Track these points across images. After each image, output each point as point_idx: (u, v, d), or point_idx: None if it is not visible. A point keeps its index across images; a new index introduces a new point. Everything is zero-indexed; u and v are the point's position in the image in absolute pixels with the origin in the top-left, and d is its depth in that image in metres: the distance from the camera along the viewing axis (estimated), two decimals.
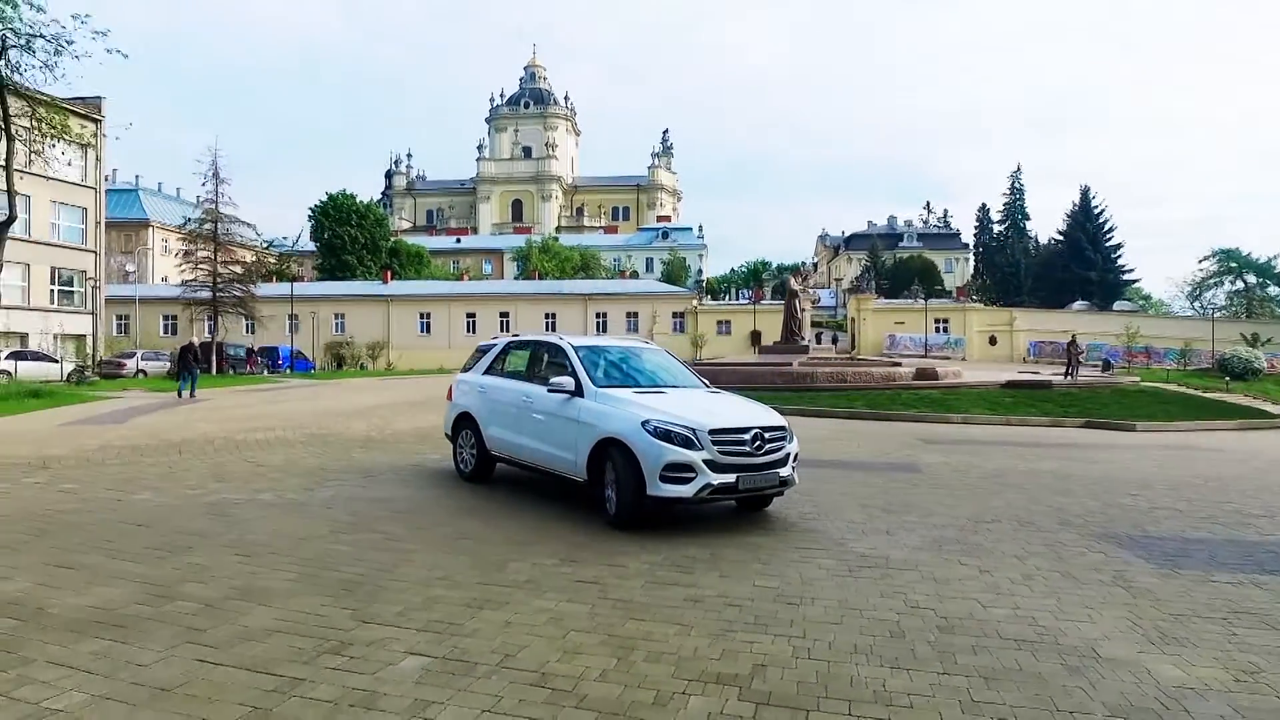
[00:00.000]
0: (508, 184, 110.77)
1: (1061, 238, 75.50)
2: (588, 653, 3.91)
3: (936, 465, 10.83)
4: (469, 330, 62.38)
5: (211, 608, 4.45)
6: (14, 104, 21.46)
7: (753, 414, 7.06)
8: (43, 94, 25.63)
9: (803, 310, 33.70)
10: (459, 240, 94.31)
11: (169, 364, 33.45)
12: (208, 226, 40.47)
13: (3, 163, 21.32)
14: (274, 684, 3.47)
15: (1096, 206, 74.04)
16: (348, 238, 72.92)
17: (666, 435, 6.41)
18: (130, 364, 33.26)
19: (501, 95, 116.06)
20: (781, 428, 6.98)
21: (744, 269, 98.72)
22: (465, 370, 9.59)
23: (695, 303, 61.82)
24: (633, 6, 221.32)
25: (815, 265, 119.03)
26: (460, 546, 6.00)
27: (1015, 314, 58.82)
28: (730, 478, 6.43)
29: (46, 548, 5.71)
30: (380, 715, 3.20)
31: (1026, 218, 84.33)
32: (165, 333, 58.82)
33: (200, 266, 40.03)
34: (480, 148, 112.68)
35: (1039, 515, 7.54)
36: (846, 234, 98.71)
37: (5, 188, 21.23)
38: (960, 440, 14.05)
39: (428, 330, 62.33)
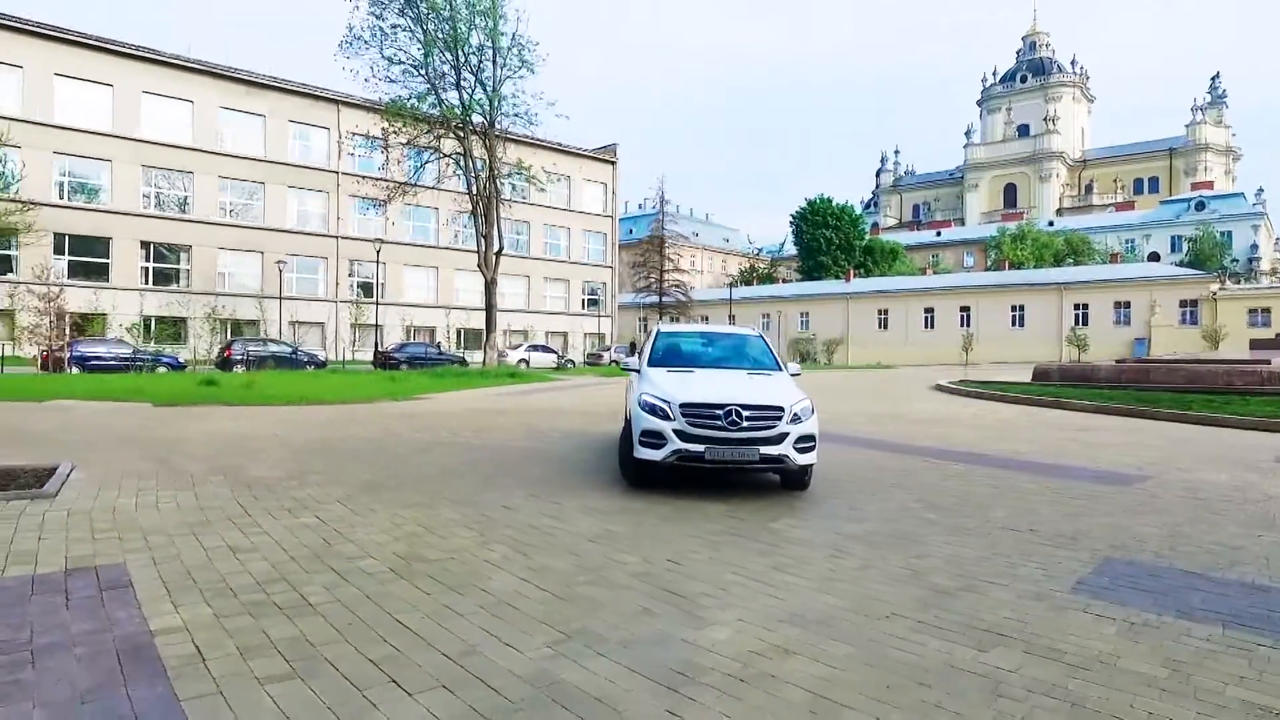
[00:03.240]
0: (999, 168, 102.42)
1: None
2: (386, 533, 5.66)
3: (1179, 482, 8.53)
4: (926, 325, 60.79)
5: (294, 484, 7.40)
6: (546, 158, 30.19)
7: (746, 393, 7.38)
8: (569, 147, 34.81)
9: None
10: (939, 234, 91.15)
11: (624, 355, 42.32)
12: (654, 241, 48.94)
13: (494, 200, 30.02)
14: (227, 515, 6.13)
15: None
16: (823, 239, 77.34)
17: (651, 408, 7.38)
18: (606, 356, 42.81)
19: (994, 74, 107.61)
20: (773, 408, 7.20)
21: None
22: None
23: (1214, 287, 49.25)
24: None
25: None
26: (492, 477, 8.00)
27: None
28: (698, 448, 7.08)
29: (313, 455, 9.54)
30: (209, 531, 5.57)
31: None
32: None
33: (649, 277, 48.74)
34: (968, 134, 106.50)
35: (1109, 534, 6.09)
36: None
37: (498, 224, 29.86)
38: None
39: (885, 326, 62.64)
